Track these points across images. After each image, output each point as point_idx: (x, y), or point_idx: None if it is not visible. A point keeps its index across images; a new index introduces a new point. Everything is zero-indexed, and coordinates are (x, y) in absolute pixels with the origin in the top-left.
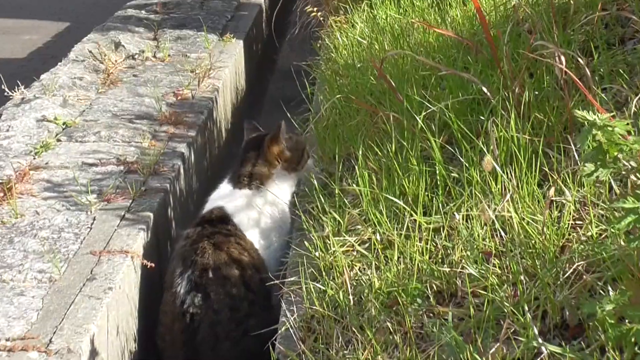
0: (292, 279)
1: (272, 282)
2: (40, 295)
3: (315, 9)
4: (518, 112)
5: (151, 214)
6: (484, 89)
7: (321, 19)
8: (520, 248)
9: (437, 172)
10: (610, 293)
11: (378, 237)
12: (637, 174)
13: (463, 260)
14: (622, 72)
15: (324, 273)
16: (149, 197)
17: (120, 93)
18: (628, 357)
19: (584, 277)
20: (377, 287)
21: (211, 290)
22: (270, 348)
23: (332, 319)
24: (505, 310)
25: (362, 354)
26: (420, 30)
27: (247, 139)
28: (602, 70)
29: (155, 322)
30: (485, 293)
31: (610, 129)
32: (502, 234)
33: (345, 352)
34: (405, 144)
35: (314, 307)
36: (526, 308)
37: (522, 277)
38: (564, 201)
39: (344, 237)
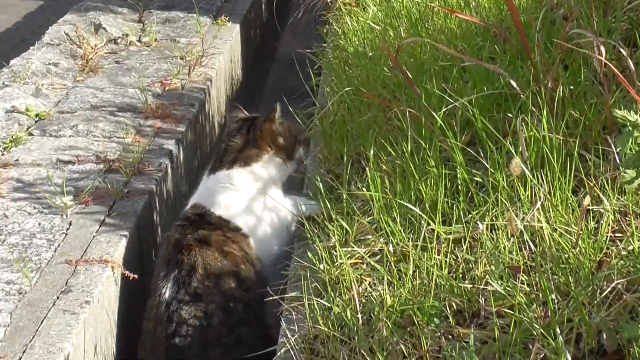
0: (293, 294)
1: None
2: (8, 310)
3: None
4: (550, 109)
5: (134, 219)
6: (513, 83)
7: (329, 0)
8: (552, 263)
9: (459, 175)
10: None
11: (391, 249)
12: None
13: (487, 276)
14: None
15: (329, 288)
16: (132, 200)
17: (101, 82)
18: None
19: (624, 296)
20: (390, 304)
21: (201, 290)
22: None
23: (338, 339)
24: (535, 333)
25: None
26: (441, 15)
27: (232, 123)
28: None
29: (137, 340)
30: (512, 313)
31: None
32: (532, 246)
33: None
34: (422, 143)
35: (318, 327)
36: (558, 331)
37: (553, 296)
38: (602, 210)
39: (352, 247)
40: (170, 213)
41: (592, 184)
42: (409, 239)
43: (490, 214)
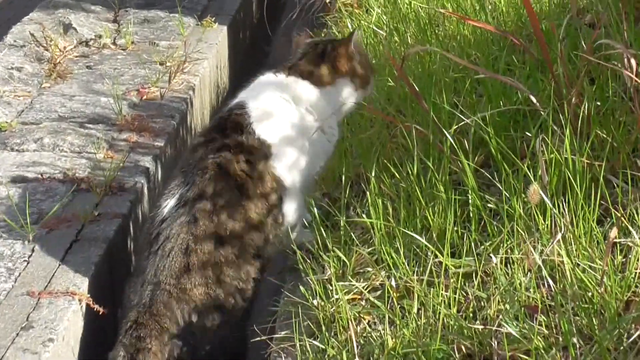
0: (282, 333)
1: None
2: None
3: None
4: (574, 128)
5: (105, 245)
6: (532, 98)
7: (327, 1)
8: (574, 302)
9: (470, 201)
10: None
11: (393, 283)
12: None
13: (500, 316)
14: None
15: (323, 327)
16: (103, 224)
17: (70, 89)
18: None
19: None
20: (391, 346)
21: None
22: None
23: None
24: None
25: None
26: (453, 20)
27: (301, 46)
28: None
29: None
30: (528, 359)
31: None
32: (551, 283)
33: None
34: (430, 164)
35: None
36: None
37: (575, 340)
38: (630, 244)
39: (350, 281)
40: None
41: (619, 214)
42: (413, 272)
43: (505, 245)
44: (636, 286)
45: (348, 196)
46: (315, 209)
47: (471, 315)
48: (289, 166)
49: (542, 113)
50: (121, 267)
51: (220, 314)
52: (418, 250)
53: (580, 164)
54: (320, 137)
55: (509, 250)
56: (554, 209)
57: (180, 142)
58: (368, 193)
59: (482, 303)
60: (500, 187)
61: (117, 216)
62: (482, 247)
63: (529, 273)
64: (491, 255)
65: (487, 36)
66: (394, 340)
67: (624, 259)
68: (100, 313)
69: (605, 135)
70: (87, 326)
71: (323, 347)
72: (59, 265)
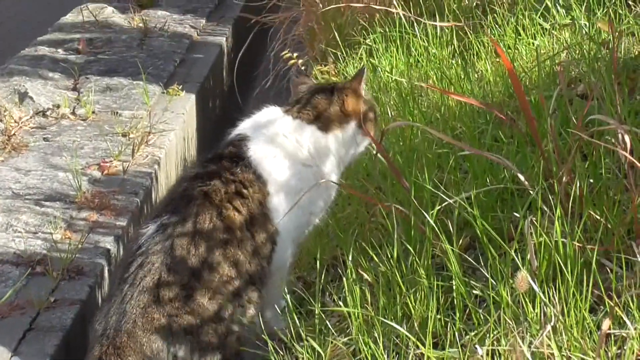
0: None
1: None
2: None
3: (295, 54)
4: (565, 209)
5: (62, 335)
6: (520, 176)
7: (302, 67)
8: None
9: (454, 288)
10: None
11: None
12: None
13: None
14: None
15: None
16: (60, 311)
17: (25, 163)
18: None
19: None
20: None
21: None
22: None
23: None
24: None
25: None
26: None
27: (304, 87)
28: None
29: None
30: None
31: None
32: None
33: None
34: (411, 248)
35: None
36: None
37: None
38: (625, 335)
39: None
40: None
41: (613, 302)
42: None
43: (492, 336)
44: None
45: (324, 281)
46: (288, 295)
47: None
48: (283, 208)
49: (531, 192)
50: (80, 358)
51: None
52: (398, 340)
53: (572, 247)
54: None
55: (495, 341)
56: (543, 297)
57: (145, 220)
58: (345, 278)
59: None
60: (486, 272)
61: (75, 302)
62: (467, 337)
63: None
64: (476, 346)
65: (473, 108)
66: None
67: (619, 351)
68: None
69: (598, 216)
70: None
71: None
72: (11, 357)
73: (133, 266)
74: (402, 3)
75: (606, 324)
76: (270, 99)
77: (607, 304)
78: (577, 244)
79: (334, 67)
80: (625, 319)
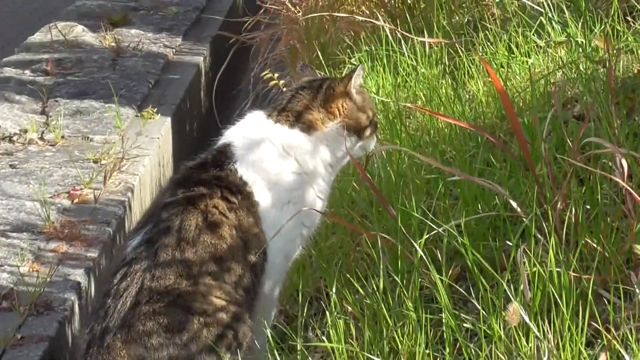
0: None
1: None
2: None
3: (276, 74)
4: (560, 237)
5: None
6: (512, 203)
7: (284, 88)
8: None
9: (444, 321)
10: None
11: None
12: None
13: None
14: None
15: None
16: (27, 348)
17: None
18: None
19: None
20: None
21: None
22: None
23: None
24: None
25: None
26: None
27: (301, 81)
28: None
29: None
30: None
31: None
32: None
33: None
34: (398, 279)
35: None
36: None
37: None
38: None
39: None
40: None
41: (611, 336)
42: None
43: None
44: None
45: (306, 314)
46: (269, 330)
47: None
48: (271, 218)
49: (525, 219)
50: None
51: None
52: None
53: (567, 277)
54: (309, 191)
55: None
56: (536, 331)
57: (118, 252)
58: (328, 311)
59: None
60: (478, 304)
61: (44, 339)
62: None
63: None
64: None
65: (464, 130)
66: None
67: None
68: None
69: (595, 244)
70: None
71: None
72: None
73: (117, 278)
74: (390, 20)
75: (603, 358)
76: None
77: (604, 337)
78: (573, 273)
79: None
80: (623, 353)
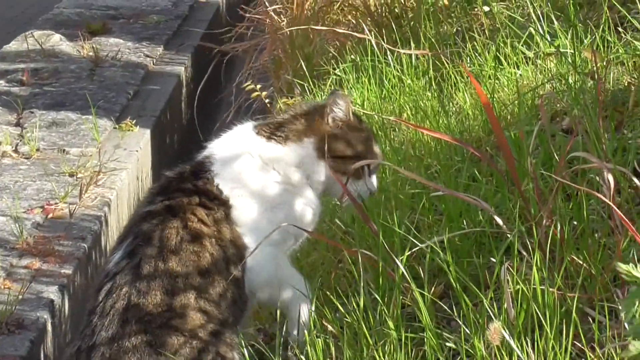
0: None
1: None
2: None
3: (258, 85)
4: (545, 253)
5: None
6: (497, 219)
7: (266, 100)
8: None
9: (426, 341)
10: None
11: None
12: None
13: None
14: None
15: None
16: None
17: None
18: None
19: None
20: None
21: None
22: None
23: None
24: None
25: None
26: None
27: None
28: None
29: None
30: None
31: None
32: None
33: None
34: (379, 297)
35: None
36: None
37: None
38: None
39: None
40: None
41: (595, 355)
42: None
43: None
44: None
45: (285, 333)
46: (246, 349)
47: None
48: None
49: (509, 235)
50: None
51: None
52: None
53: (551, 296)
54: (297, 200)
55: None
56: (519, 351)
57: (93, 268)
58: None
59: None
60: (461, 322)
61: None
62: None
63: None
64: None
65: (449, 144)
66: None
67: None
68: None
69: (581, 261)
70: None
71: None
72: None
73: (101, 295)
74: (376, 29)
75: None
76: None
77: (588, 356)
78: (557, 291)
79: (301, 100)
80: None
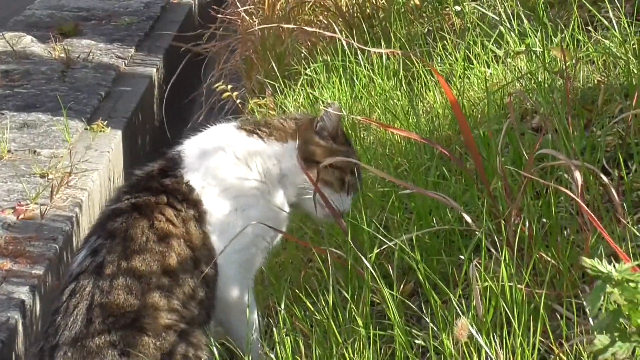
0: None
1: None
2: None
3: (229, 86)
4: (513, 251)
5: None
6: (466, 217)
7: (238, 101)
8: None
9: (395, 338)
10: None
11: None
12: None
13: None
14: None
15: None
16: None
17: None
18: None
19: None
20: None
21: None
22: None
23: None
24: None
25: None
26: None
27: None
28: None
29: None
30: None
31: (633, 285)
32: None
33: None
34: (347, 296)
35: None
36: None
37: None
38: None
39: None
40: None
41: (563, 351)
42: None
43: None
44: None
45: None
46: (215, 348)
47: None
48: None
49: (477, 233)
50: None
51: None
52: None
53: (519, 293)
54: (266, 203)
55: None
56: (486, 347)
57: (64, 268)
58: (275, 328)
59: None
60: (429, 320)
61: None
62: None
63: None
64: None
65: (419, 143)
66: None
67: None
68: None
69: (549, 258)
70: None
71: None
72: None
73: (64, 295)
74: (348, 30)
75: None
76: None
77: (556, 350)
78: (525, 288)
79: (272, 100)
80: None
